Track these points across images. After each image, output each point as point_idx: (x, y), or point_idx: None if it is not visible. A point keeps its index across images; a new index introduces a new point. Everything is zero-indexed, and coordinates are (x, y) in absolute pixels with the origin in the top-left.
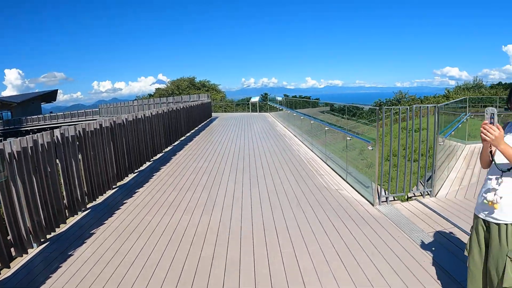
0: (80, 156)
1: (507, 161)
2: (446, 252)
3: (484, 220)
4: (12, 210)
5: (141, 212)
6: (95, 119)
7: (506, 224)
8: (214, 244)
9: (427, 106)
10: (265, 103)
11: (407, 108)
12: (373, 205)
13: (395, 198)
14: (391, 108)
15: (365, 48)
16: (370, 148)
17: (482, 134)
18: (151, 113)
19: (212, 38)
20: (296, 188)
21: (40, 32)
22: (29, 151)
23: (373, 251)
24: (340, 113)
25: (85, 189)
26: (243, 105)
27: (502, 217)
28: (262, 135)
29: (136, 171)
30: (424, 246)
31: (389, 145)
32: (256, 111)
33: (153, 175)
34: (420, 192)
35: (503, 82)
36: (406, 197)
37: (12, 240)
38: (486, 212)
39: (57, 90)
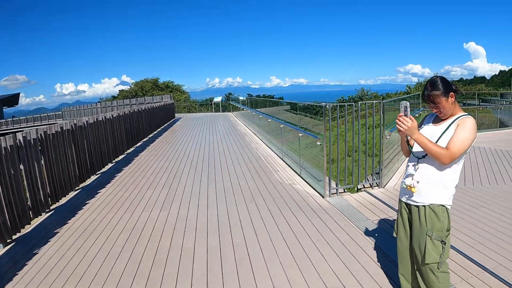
0: (42, 159)
1: (422, 149)
2: (388, 237)
3: (406, 203)
4: None
5: (103, 211)
6: (58, 123)
7: (424, 206)
8: (171, 237)
9: (373, 103)
10: (229, 103)
11: (352, 105)
12: (323, 197)
13: (345, 190)
14: (337, 105)
15: (329, 47)
16: (318, 143)
17: (397, 125)
18: (112, 115)
19: (176, 38)
20: (251, 184)
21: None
22: None
23: (319, 238)
24: (301, 111)
25: (48, 190)
26: (207, 105)
27: (420, 199)
28: (223, 134)
29: (98, 172)
30: (368, 232)
31: (345, 140)
32: (219, 111)
33: (115, 176)
34: (370, 184)
35: (464, 78)
36: (356, 188)
37: None
38: (407, 196)
39: (19, 93)
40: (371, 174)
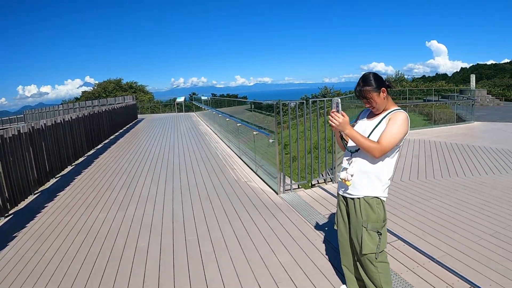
0: None
1: (355, 144)
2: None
3: (343, 196)
4: None
5: (61, 214)
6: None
7: (359, 198)
8: (126, 237)
9: (324, 100)
10: (192, 103)
11: (303, 103)
12: (277, 194)
13: (300, 186)
14: (287, 103)
15: (294, 46)
16: (270, 141)
17: (329, 121)
18: (71, 117)
19: (141, 38)
20: (208, 182)
21: None
22: None
23: (270, 233)
24: (263, 110)
25: (7, 195)
26: (171, 105)
27: (355, 192)
28: (185, 134)
29: (58, 175)
30: (318, 226)
31: (297, 138)
32: (183, 111)
33: (75, 178)
34: (324, 179)
35: (427, 75)
36: (310, 184)
37: None
38: (343, 189)
39: None
40: (325, 170)
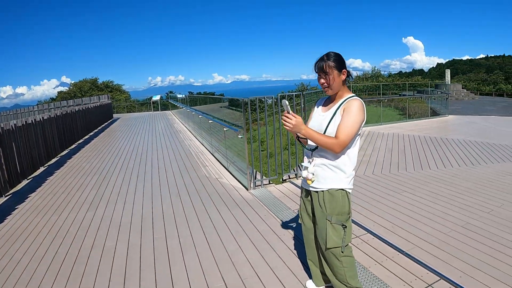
0: None
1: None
2: None
3: (307, 190)
4: None
5: (31, 215)
6: None
7: (323, 191)
8: (94, 237)
9: (293, 94)
10: (169, 102)
11: (271, 98)
12: (247, 189)
13: (271, 182)
14: (256, 99)
15: (272, 43)
16: (240, 136)
17: (283, 124)
18: (42, 118)
19: (117, 37)
20: (179, 180)
21: None
22: None
23: (238, 230)
24: (237, 107)
25: None
26: (148, 104)
27: (319, 186)
28: (159, 133)
29: (30, 177)
30: (287, 221)
31: (264, 132)
32: (158, 110)
33: (47, 179)
34: (295, 174)
35: (403, 71)
36: (281, 180)
37: None
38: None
39: None
40: (296, 165)
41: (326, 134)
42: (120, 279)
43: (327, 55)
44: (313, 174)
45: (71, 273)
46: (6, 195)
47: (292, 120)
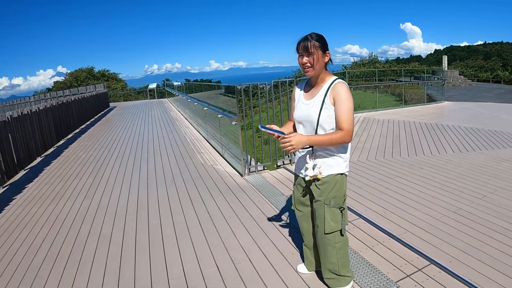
0: None
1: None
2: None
3: (302, 177)
4: None
5: (28, 205)
6: None
7: (323, 177)
8: (91, 225)
9: (286, 80)
10: (165, 89)
11: (265, 84)
12: (242, 176)
13: (265, 168)
14: (249, 86)
15: (268, 29)
16: (233, 123)
17: (284, 149)
18: (38, 108)
19: (113, 25)
20: (174, 167)
21: None
22: None
23: (232, 215)
24: (232, 94)
25: None
26: (144, 93)
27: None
28: (155, 121)
29: (27, 167)
30: (280, 207)
31: (256, 118)
32: (155, 98)
33: (43, 170)
34: (289, 160)
35: (401, 57)
36: (275, 166)
37: None
38: (304, 170)
39: None
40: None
41: (319, 124)
42: (116, 265)
43: (311, 35)
44: (319, 168)
45: (67, 261)
46: (3, 186)
47: (291, 140)
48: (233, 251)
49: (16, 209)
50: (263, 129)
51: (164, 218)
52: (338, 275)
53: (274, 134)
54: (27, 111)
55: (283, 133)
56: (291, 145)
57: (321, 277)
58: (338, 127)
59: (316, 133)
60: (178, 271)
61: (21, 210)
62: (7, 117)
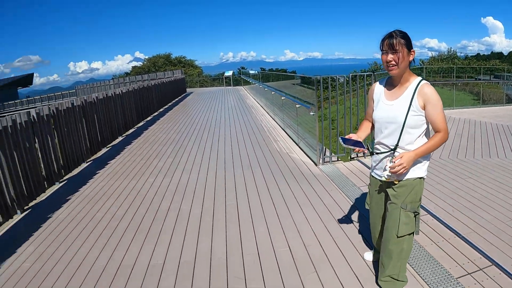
0: (55, 133)
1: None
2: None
3: (378, 179)
4: None
5: (111, 180)
6: (55, 103)
7: (401, 181)
8: (171, 201)
9: (364, 75)
10: (241, 77)
11: (343, 77)
12: (316, 165)
13: (339, 159)
14: (328, 78)
15: (345, 19)
16: (311, 113)
17: (396, 174)
18: (121, 91)
19: (190, 12)
20: (250, 152)
21: (11, 16)
22: (9, 129)
23: (305, 202)
24: (309, 85)
25: (61, 162)
26: (220, 80)
27: (400, 176)
28: (232, 107)
29: (109, 145)
30: (352, 197)
31: (333, 112)
32: (231, 85)
33: (125, 148)
34: (363, 153)
35: (481, 53)
36: (349, 157)
37: None
38: (380, 171)
39: (32, 73)
40: (366, 144)
41: (405, 127)
42: (194, 238)
43: (395, 32)
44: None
45: (149, 231)
46: (87, 161)
47: (402, 163)
48: (305, 234)
49: (100, 182)
50: (344, 145)
51: (240, 199)
52: (396, 280)
53: (355, 149)
54: (112, 94)
55: (364, 146)
56: (404, 167)
57: None
58: (434, 129)
59: (400, 135)
60: (252, 248)
61: (104, 183)
62: (94, 98)
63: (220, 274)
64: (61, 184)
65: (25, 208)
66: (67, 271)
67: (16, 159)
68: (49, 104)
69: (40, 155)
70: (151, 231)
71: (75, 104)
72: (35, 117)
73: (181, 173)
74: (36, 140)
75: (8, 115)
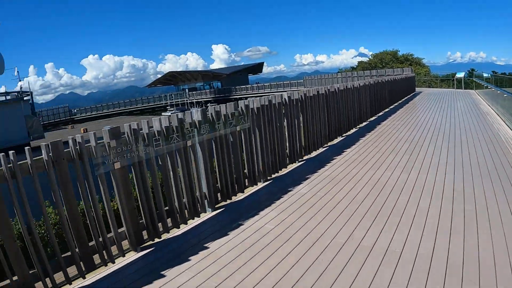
0: (301, 116)
1: None
2: None
3: None
4: (251, 151)
5: (348, 167)
6: (299, 90)
7: None
8: (409, 196)
9: None
10: (472, 80)
11: None
12: None
13: None
14: None
15: None
16: None
17: None
18: (359, 84)
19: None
20: (489, 161)
21: (245, 12)
22: (265, 108)
23: None
24: None
25: (303, 143)
26: (448, 81)
27: None
28: (463, 112)
29: (344, 135)
30: None
31: None
32: (461, 88)
33: (359, 139)
34: None
35: None
36: None
37: (247, 174)
38: None
39: (263, 63)
40: None
41: None
42: (431, 236)
43: None
44: None
45: (387, 220)
46: (324, 146)
47: None
48: None
49: (338, 166)
50: None
51: (479, 207)
52: None
53: None
54: (350, 86)
55: None
56: None
57: None
58: None
59: None
60: (489, 257)
61: (343, 168)
62: (335, 89)
63: (454, 274)
64: (299, 164)
65: (268, 178)
66: (307, 240)
67: (268, 134)
68: (298, 90)
69: (287, 134)
70: (390, 220)
71: (320, 93)
72: (286, 100)
73: (418, 172)
74: (285, 120)
75: (239, 97)
